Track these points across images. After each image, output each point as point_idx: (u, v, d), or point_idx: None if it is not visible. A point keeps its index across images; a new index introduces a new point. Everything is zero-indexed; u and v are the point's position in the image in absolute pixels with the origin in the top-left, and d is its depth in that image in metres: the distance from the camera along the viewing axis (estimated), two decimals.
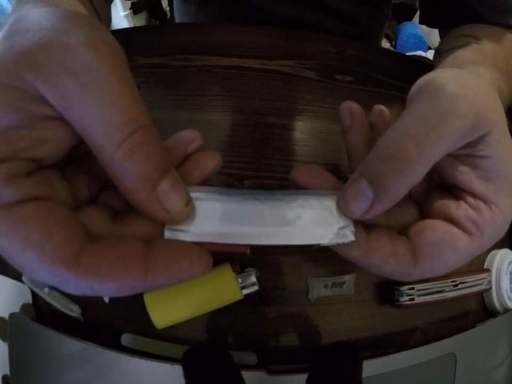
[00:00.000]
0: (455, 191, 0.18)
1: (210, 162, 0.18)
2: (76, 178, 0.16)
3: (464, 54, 0.30)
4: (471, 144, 0.16)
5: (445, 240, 0.16)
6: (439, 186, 0.20)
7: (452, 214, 0.17)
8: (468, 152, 0.17)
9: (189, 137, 0.19)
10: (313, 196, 0.17)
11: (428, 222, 0.18)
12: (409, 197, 0.20)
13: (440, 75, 0.17)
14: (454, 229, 0.17)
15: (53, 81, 0.13)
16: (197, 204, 0.16)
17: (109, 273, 0.13)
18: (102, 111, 0.13)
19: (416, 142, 0.15)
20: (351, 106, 0.20)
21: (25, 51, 0.13)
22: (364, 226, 0.17)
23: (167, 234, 0.15)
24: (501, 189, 0.16)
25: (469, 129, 0.16)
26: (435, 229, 0.17)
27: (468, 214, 0.17)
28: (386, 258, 0.17)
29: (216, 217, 0.16)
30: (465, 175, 0.17)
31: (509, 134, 0.17)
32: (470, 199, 0.17)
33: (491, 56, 0.29)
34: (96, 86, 0.13)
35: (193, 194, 0.16)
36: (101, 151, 0.14)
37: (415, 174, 0.15)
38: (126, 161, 0.13)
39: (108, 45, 0.14)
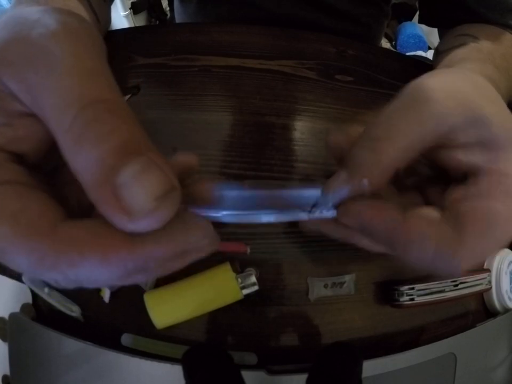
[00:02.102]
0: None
1: None
2: (67, 188, 0.16)
3: (459, 53, 0.30)
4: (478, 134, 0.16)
5: (481, 199, 0.16)
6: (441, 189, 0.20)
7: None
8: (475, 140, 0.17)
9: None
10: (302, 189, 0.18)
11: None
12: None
13: (423, 80, 0.18)
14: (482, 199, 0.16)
15: (19, 77, 0.12)
16: None
17: (89, 242, 0.11)
18: (51, 94, 0.12)
19: (382, 123, 0.16)
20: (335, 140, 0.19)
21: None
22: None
23: None
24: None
25: (451, 115, 0.16)
26: (469, 198, 0.16)
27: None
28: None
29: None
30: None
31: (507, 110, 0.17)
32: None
33: (488, 54, 0.29)
34: (46, 68, 0.12)
35: None
36: (57, 140, 0.12)
37: (387, 152, 0.16)
38: (74, 147, 0.11)
39: (74, 32, 0.13)
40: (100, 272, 0.11)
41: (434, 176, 0.21)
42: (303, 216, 0.17)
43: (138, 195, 0.11)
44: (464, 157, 0.17)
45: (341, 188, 0.17)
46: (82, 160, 0.11)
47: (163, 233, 0.12)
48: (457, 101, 0.16)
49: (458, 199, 0.17)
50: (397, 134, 0.16)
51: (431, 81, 0.17)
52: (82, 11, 0.27)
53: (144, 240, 0.12)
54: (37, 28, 0.13)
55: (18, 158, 0.14)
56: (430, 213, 0.16)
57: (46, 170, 0.16)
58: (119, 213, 0.11)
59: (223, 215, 0.15)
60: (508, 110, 0.17)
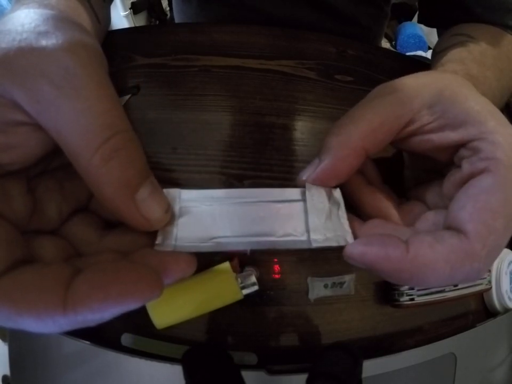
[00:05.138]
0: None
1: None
2: (47, 197, 0.16)
3: (450, 53, 0.30)
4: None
5: (475, 188, 0.15)
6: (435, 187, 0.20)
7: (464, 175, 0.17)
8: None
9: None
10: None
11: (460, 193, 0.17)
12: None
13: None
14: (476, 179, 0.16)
15: (28, 86, 0.13)
16: (185, 210, 0.17)
17: (24, 301, 0.11)
18: (78, 115, 0.13)
19: (348, 113, 0.19)
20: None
21: (4, 54, 0.13)
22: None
23: (159, 240, 0.16)
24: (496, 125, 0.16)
25: (412, 98, 0.18)
26: (467, 189, 0.16)
27: (473, 161, 0.16)
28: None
29: (202, 224, 0.16)
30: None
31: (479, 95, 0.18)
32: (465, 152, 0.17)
33: (479, 54, 0.29)
34: (72, 90, 0.13)
35: (183, 202, 0.17)
36: (77, 157, 0.13)
37: (349, 134, 0.18)
38: (103, 167, 0.13)
39: (87, 49, 0.14)
40: (35, 327, 0.11)
41: (428, 179, 0.21)
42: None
43: (155, 209, 0.15)
44: (437, 138, 0.18)
45: (313, 170, 0.18)
46: (108, 179, 0.13)
47: (97, 297, 0.12)
48: (417, 85, 0.19)
49: (453, 193, 0.17)
50: (358, 119, 0.18)
51: (396, 79, 0.20)
52: (83, 12, 0.27)
53: (75, 301, 0.11)
54: (51, 38, 0.13)
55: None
56: (433, 235, 0.15)
57: (29, 176, 0.16)
58: (141, 221, 0.14)
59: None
60: (482, 97, 0.17)
